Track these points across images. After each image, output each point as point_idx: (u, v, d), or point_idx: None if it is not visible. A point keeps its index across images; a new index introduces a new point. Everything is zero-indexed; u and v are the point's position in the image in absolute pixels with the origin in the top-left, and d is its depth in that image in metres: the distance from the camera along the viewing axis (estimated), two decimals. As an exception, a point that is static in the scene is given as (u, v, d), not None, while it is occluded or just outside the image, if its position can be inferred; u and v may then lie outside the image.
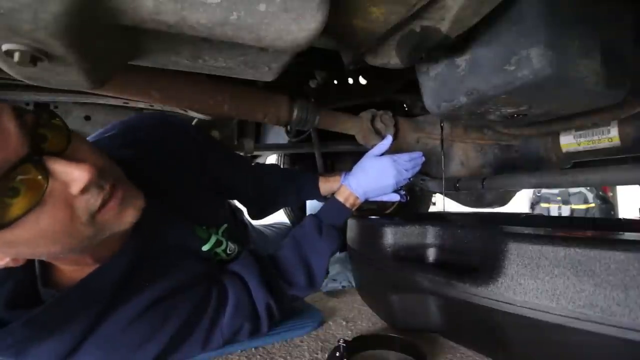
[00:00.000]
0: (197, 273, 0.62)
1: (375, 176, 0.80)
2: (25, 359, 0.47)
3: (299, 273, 0.71)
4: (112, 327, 0.51)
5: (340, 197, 0.80)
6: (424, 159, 0.87)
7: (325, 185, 0.92)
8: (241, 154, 1.14)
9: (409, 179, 0.84)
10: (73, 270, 0.52)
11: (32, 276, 0.51)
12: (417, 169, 0.86)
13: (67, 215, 0.42)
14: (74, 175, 0.41)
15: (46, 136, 0.42)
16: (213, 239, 0.68)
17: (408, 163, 0.83)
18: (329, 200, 0.82)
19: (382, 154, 0.84)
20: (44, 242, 0.43)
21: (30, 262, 0.50)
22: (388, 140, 0.85)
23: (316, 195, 0.94)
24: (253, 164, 0.96)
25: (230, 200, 1.00)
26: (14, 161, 0.37)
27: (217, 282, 0.64)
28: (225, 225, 0.74)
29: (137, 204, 0.50)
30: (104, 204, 0.45)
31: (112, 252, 0.53)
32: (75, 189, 0.42)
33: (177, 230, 0.63)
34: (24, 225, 0.39)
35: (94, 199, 0.44)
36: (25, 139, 0.38)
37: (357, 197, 0.80)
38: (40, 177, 0.39)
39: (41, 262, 0.52)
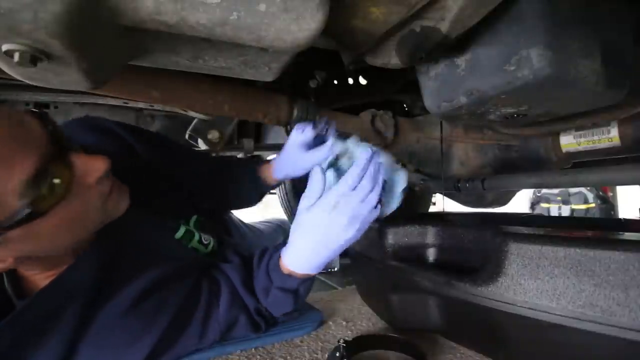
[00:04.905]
0: (180, 265, 0.62)
1: (321, 234, 0.54)
2: None
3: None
4: (104, 323, 0.51)
5: (284, 270, 0.60)
6: (375, 150, 0.58)
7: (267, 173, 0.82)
8: (239, 155, 1.14)
9: (382, 191, 0.56)
10: (47, 277, 0.51)
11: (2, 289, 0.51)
12: (382, 172, 0.56)
13: (85, 203, 0.47)
14: (94, 166, 0.47)
15: (62, 134, 0.46)
16: (182, 229, 0.70)
17: (369, 180, 0.54)
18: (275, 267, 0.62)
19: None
20: (64, 233, 0.47)
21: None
22: (324, 153, 0.63)
23: (260, 186, 0.83)
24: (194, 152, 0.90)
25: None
26: (47, 157, 0.42)
27: (206, 274, 0.63)
28: (196, 217, 0.74)
29: (126, 191, 0.55)
30: (110, 192, 0.51)
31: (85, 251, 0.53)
32: (94, 177, 0.47)
33: (145, 223, 0.63)
34: (54, 214, 0.44)
35: (105, 187, 0.50)
36: (50, 137, 0.44)
37: (302, 274, 0.59)
38: (67, 170, 0.45)
39: (10, 276, 0.51)
